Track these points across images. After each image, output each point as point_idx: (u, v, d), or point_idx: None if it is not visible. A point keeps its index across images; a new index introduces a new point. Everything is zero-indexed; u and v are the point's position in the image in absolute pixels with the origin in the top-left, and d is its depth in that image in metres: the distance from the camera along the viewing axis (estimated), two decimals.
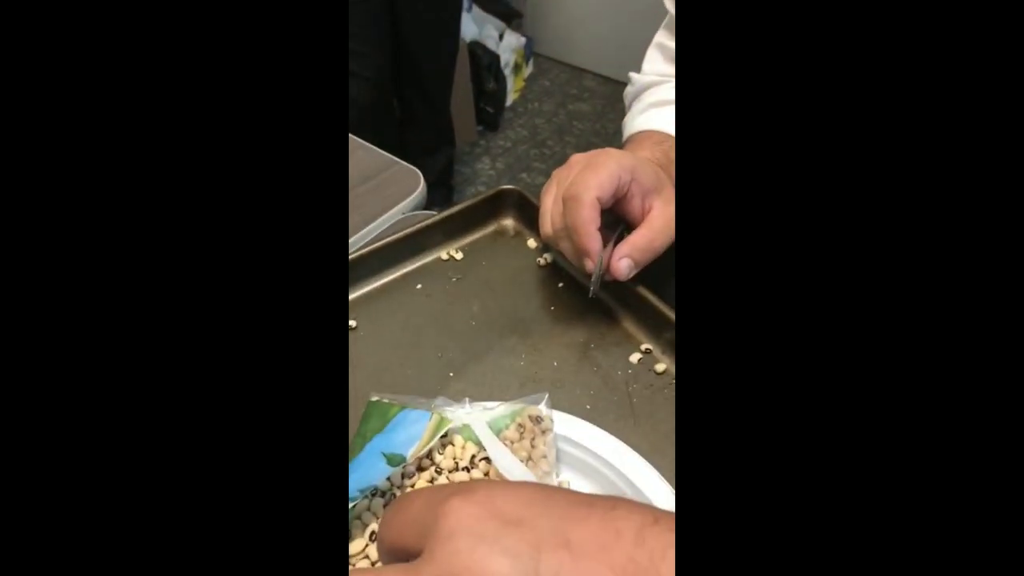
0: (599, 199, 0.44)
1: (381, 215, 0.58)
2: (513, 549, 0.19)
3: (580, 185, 0.44)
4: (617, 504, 0.21)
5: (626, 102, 0.64)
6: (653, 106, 0.58)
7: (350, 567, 0.34)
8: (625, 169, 0.45)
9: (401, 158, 0.65)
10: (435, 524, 0.20)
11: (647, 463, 0.38)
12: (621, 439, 0.39)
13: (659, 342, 0.48)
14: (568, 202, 0.45)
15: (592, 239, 0.44)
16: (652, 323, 0.48)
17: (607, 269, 0.45)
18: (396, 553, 0.22)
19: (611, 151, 0.47)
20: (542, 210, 0.48)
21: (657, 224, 0.46)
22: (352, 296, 0.51)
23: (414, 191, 0.60)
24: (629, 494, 0.38)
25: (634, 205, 0.47)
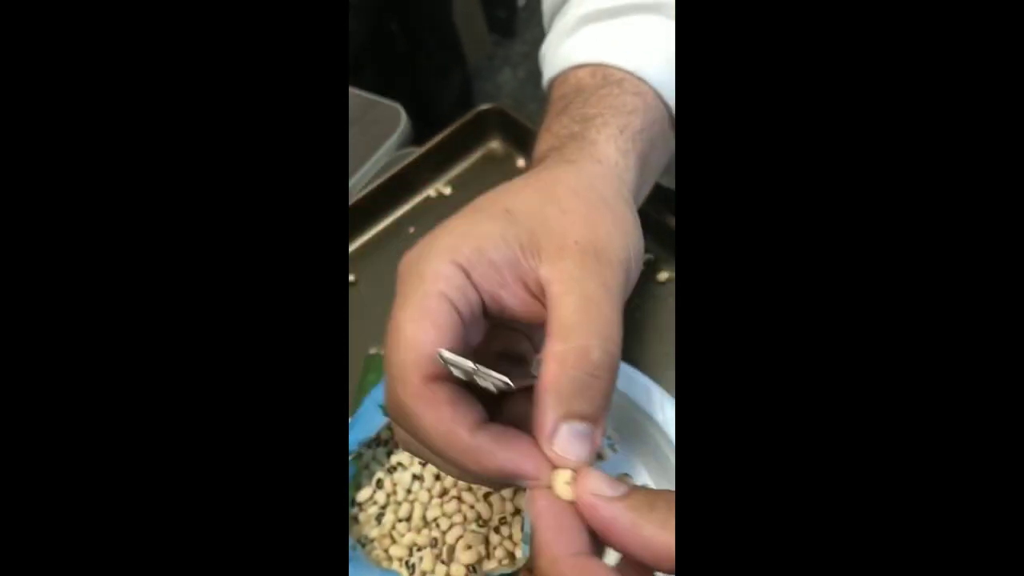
0: (430, 359, 0.22)
1: (368, 159, 0.57)
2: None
3: (392, 354, 0.23)
4: None
5: (544, 18, 0.42)
6: (585, 21, 0.37)
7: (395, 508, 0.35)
8: (452, 271, 0.24)
9: (412, 87, 0.62)
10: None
11: (650, 380, 0.37)
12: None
13: (663, 250, 0.45)
14: (391, 400, 0.23)
15: (471, 453, 0.22)
16: (654, 230, 0.45)
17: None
18: None
19: (429, 248, 0.26)
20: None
21: (566, 316, 0.22)
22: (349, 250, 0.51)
23: (396, 129, 0.58)
24: (632, 414, 0.37)
25: (509, 300, 0.24)
